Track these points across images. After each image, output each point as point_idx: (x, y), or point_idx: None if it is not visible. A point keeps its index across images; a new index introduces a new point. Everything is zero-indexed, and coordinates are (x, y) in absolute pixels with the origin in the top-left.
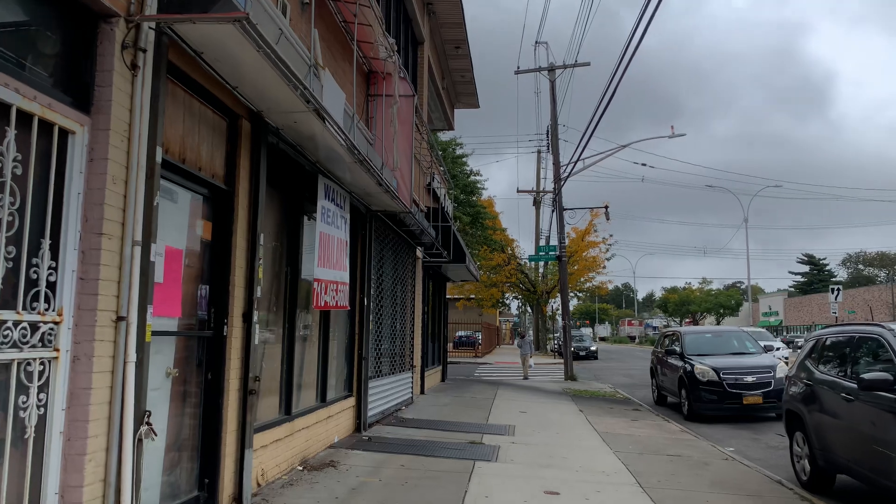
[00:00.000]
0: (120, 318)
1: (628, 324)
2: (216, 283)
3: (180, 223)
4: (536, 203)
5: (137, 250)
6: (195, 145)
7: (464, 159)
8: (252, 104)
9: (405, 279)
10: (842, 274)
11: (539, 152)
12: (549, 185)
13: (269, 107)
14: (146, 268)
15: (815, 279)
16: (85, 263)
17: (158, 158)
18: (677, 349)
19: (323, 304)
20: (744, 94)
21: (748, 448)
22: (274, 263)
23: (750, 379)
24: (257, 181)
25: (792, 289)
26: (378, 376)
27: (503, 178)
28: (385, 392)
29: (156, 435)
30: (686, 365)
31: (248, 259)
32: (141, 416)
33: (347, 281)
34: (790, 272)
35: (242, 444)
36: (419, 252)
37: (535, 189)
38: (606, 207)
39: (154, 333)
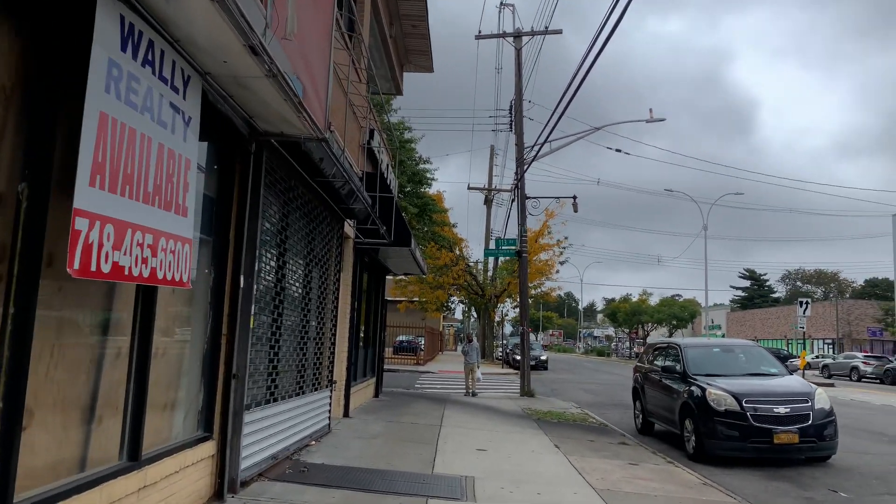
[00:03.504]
0: None
1: (550, 334)
2: None
3: None
4: (488, 202)
5: None
6: None
7: (412, 144)
8: None
9: (326, 260)
10: (781, 290)
11: (492, 147)
12: (504, 182)
13: None
14: None
15: (756, 294)
16: None
17: None
18: (677, 367)
19: (107, 271)
20: (675, 117)
21: None
22: None
23: (782, 410)
24: None
25: (731, 303)
26: (269, 402)
27: (453, 174)
28: (279, 424)
29: None
30: (693, 388)
31: None
32: None
33: (190, 236)
34: (731, 286)
35: None
36: (349, 228)
37: (486, 187)
38: (575, 198)
39: None
